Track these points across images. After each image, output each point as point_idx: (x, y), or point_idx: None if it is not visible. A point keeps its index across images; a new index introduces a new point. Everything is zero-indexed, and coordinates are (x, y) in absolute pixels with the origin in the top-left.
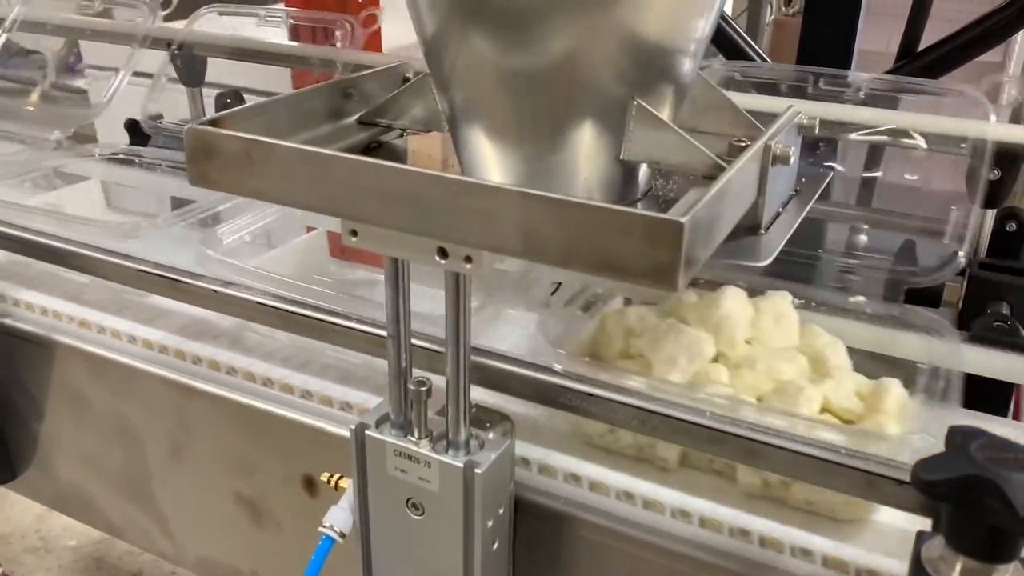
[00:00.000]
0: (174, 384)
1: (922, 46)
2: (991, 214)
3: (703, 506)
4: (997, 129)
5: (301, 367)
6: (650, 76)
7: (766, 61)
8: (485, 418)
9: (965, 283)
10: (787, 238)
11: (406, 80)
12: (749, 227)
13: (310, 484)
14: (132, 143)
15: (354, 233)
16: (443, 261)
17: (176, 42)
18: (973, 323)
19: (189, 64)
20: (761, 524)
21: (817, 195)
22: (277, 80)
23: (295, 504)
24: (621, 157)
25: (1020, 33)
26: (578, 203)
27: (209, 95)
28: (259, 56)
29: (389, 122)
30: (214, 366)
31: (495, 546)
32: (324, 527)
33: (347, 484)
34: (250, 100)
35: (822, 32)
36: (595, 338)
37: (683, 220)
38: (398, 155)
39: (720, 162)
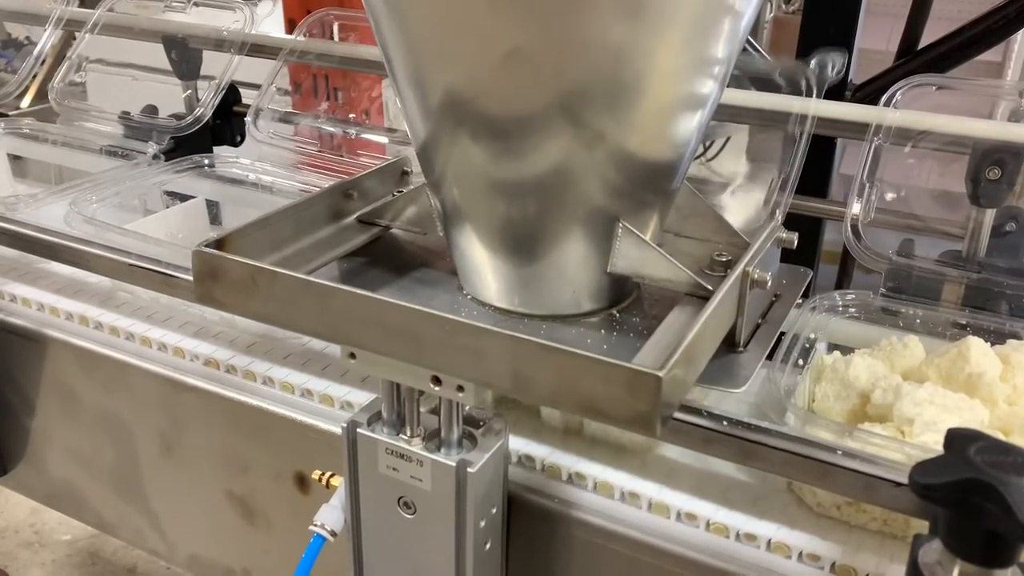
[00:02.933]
0: (164, 379)
1: (922, 45)
2: None
3: None
4: None
5: (288, 362)
6: (637, 190)
7: (766, 58)
8: (478, 416)
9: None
10: (764, 357)
11: (405, 173)
12: (728, 344)
13: (302, 481)
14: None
15: (352, 356)
16: (436, 388)
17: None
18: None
19: (182, 55)
20: None
21: (797, 300)
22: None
23: (287, 501)
24: (608, 270)
25: (1020, 33)
26: (564, 351)
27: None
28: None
29: (387, 223)
30: (210, 363)
31: (487, 546)
32: (315, 525)
33: (338, 482)
34: (244, 92)
35: (822, 30)
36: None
37: (661, 374)
38: (398, 251)
39: (701, 282)
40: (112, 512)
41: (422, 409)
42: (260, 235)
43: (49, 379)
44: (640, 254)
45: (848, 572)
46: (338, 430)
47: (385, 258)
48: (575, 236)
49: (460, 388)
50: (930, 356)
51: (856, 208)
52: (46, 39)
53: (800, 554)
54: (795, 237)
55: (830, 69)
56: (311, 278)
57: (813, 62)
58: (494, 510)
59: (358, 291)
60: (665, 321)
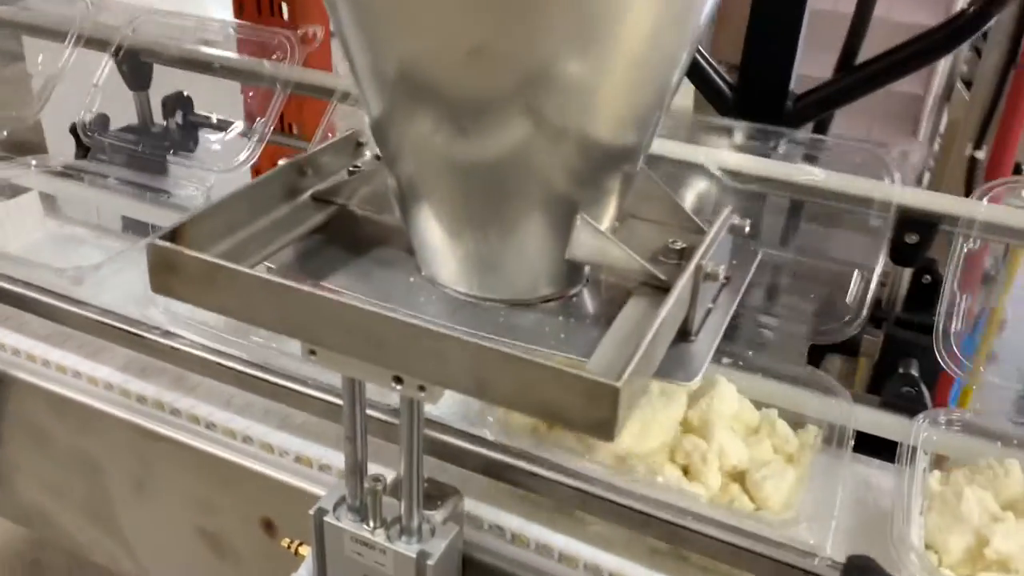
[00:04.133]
0: (135, 427)
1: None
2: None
3: None
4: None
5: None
6: (598, 174)
7: (731, 85)
8: (436, 494)
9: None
10: (716, 344)
11: (359, 145)
12: (679, 332)
13: (269, 525)
14: (78, 151)
15: (312, 352)
16: (398, 387)
17: (117, 45)
18: (884, 387)
19: (134, 68)
20: None
21: (746, 283)
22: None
23: (255, 542)
24: (566, 257)
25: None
26: (526, 360)
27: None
28: (202, 67)
29: (343, 202)
30: (175, 412)
31: None
32: None
33: (306, 551)
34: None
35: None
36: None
37: (619, 385)
38: (355, 228)
39: (656, 273)
40: (86, 537)
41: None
42: (215, 221)
43: (16, 417)
44: (598, 243)
45: None
46: (307, 486)
47: (342, 237)
48: (534, 221)
49: (422, 388)
50: None
51: (953, 323)
52: None
53: None
54: (747, 223)
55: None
56: (270, 277)
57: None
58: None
59: (317, 292)
60: (622, 313)
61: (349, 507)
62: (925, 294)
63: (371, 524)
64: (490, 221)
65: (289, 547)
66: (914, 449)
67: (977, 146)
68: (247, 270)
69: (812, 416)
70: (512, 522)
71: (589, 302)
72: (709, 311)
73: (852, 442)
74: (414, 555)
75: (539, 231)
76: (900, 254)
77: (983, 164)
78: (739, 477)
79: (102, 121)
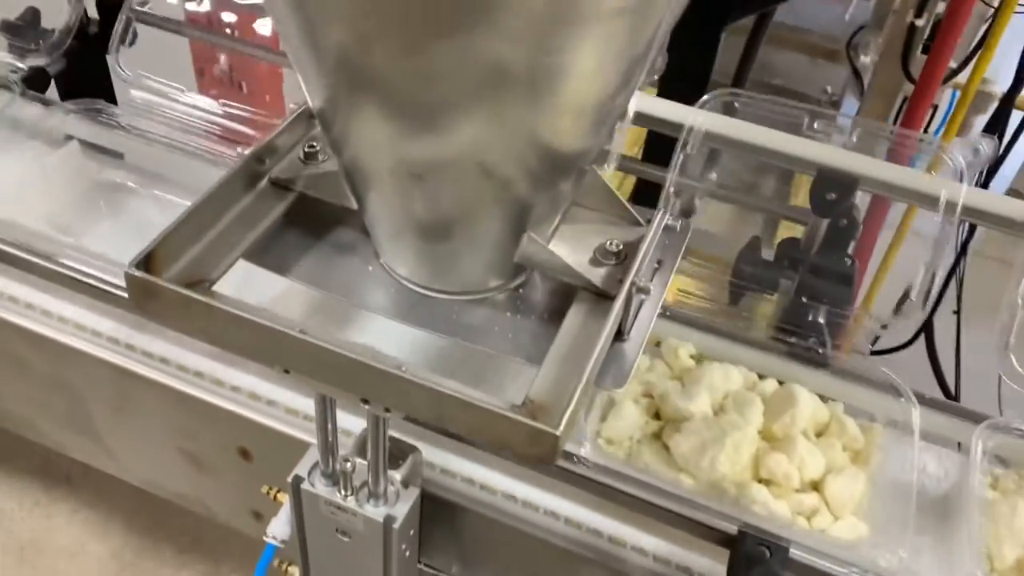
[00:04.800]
0: (115, 367)
1: None
2: None
3: None
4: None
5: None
6: (548, 175)
7: None
8: (398, 454)
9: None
10: (644, 343)
11: (312, 118)
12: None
13: (245, 453)
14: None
15: (286, 371)
16: (365, 406)
17: None
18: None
19: None
20: None
21: (677, 264)
22: None
23: (233, 464)
24: (515, 260)
25: None
26: (479, 406)
27: None
28: None
29: (302, 191)
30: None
31: (407, 554)
32: (267, 536)
33: (284, 499)
34: None
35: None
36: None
37: (558, 433)
38: (315, 211)
39: (596, 284)
40: (68, 439)
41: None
42: (184, 232)
43: None
44: (543, 255)
45: None
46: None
47: (303, 221)
48: (483, 223)
49: (387, 409)
50: None
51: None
52: None
53: None
54: (679, 223)
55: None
56: (240, 312)
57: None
58: (412, 532)
59: (291, 332)
60: (564, 325)
61: (322, 473)
62: (840, 237)
63: (342, 492)
64: (440, 219)
65: (268, 492)
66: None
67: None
68: (219, 305)
69: (870, 410)
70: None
71: (535, 292)
72: (641, 303)
73: (918, 446)
74: (381, 519)
75: (488, 232)
76: (820, 208)
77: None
78: (815, 483)
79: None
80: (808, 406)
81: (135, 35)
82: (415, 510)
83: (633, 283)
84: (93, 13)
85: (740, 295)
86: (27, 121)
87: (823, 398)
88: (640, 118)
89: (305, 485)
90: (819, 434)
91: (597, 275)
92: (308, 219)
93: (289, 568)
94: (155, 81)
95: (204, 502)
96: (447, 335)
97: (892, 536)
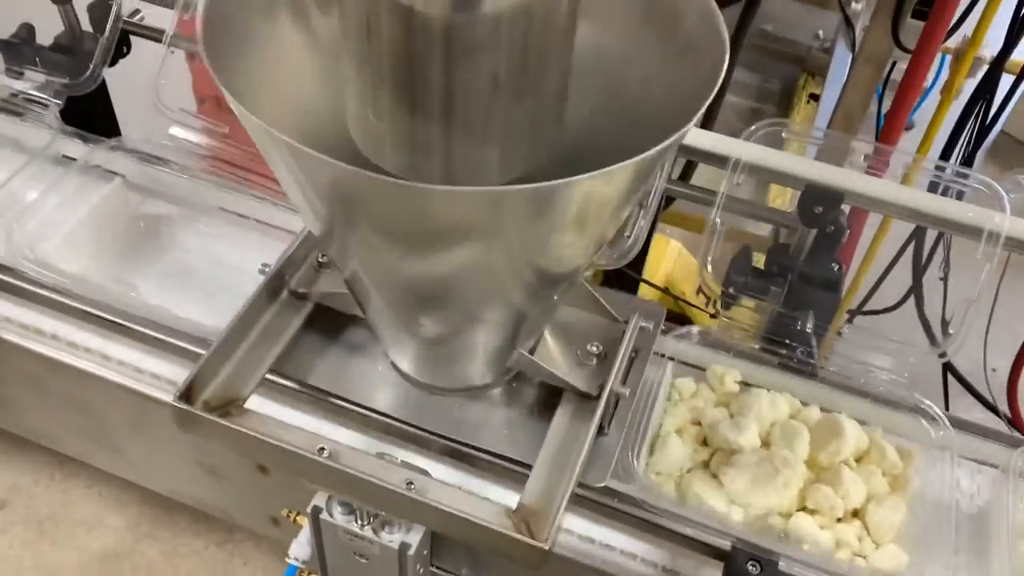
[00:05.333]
0: (133, 391)
1: None
2: None
3: None
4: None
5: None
6: (541, 293)
7: None
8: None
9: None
10: (623, 438)
11: None
12: None
13: (263, 468)
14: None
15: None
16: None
17: None
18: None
19: None
20: None
21: (652, 348)
22: None
23: (251, 478)
24: (507, 365)
25: None
26: (479, 524)
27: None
28: None
29: (314, 300)
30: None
31: (421, 571)
32: (289, 558)
33: (303, 521)
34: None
35: None
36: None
37: (546, 547)
38: (330, 318)
39: (579, 388)
40: (90, 451)
41: None
42: (218, 357)
43: (14, 371)
44: (533, 367)
45: None
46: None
47: (318, 326)
48: (482, 331)
49: None
50: None
51: None
52: None
53: None
54: (651, 325)
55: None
56: (266, 438)
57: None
58: (425, 552)
59: (311, 455)
60: (552, 427)
61: (339, 502)
62: (828, 243)
63: (359, 523)
64: (434, 336)
65: (288, 515)
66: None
67: None
68: (248, 431)
69: (906, 435)
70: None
71: (526, 387)
72: (618, 400)
73: (957, 471)
74: (397, 546)
75: (483, 343)
76: (808, 219)
77: None
78: (857, 511)
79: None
80: (853, 437)
81: (128, 48)
82: (427, 535)
83: (612, 391)
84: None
85: (731, 303)
86: (74, 159)
87: (860, 421)
88: (684, 150)
89: (324, 516)
90: (858, 459)
91: (580, 378)
92: (324, 323)
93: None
94: (195, 116)
95: (224, 509)
96: (451, 436)
97: (932, 568)
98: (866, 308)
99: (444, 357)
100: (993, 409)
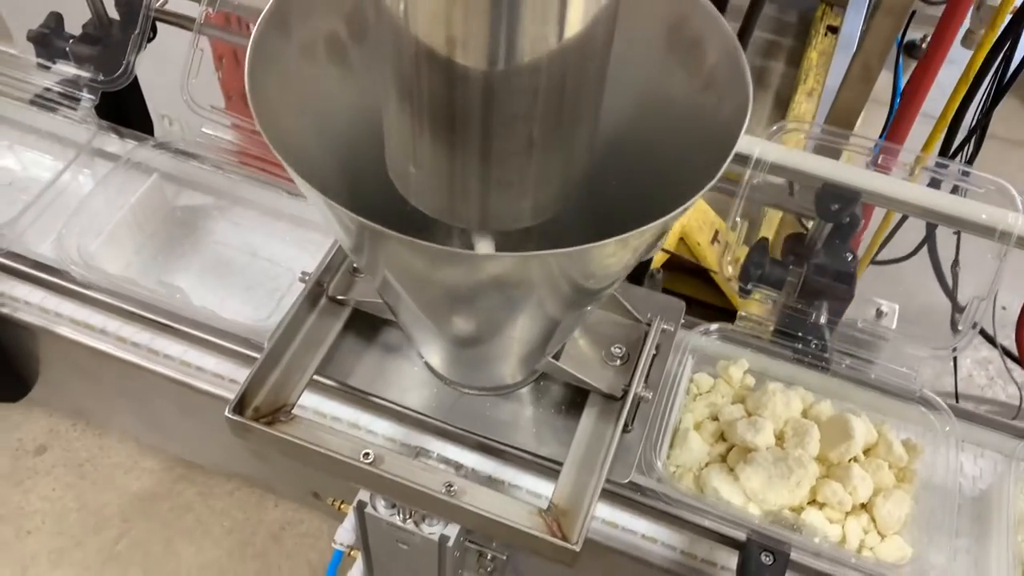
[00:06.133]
0: (178, 381)
1: None
2: None
3: None
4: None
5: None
6: (576, 308)
7: None
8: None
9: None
10: (645, 434)
11: None
12: None
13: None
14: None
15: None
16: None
17: None
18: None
19: None
20: None
21: (673, 341)
22: None
23: (294, 464)
24: (536, 367)
25: None
26: (514, 528)
27: None
28: None
29: (355, 306)
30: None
31: (457, 555)
32: (335, 543)
33: (347, 509)
34: None
35: None
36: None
37: (576, 548)
38: (367, 321)
39: (604, 391)
40: (140, 432)
41: None
42: (265, 368)
43: (65, 361)
44: (561, 371)
45: None
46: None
47: (358, 330)
48: (515, 342)
49: None
50: None
51: None
52: None
53: None
54: (672, 328)
55: None
56: (315, 447)
57: None
58: (462, 539)
59: (355, 462)
60: (579, 428)
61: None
62: (843, 233)
63: (401, 516)
64: (465, 343)
65: (333, 503)
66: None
67: None
68: (297, 440)
69: (912, 426)
70: None
71: (553, 384)
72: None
73: (961, 462)
74: (436, 538)
75: (519, 350)
76: (824, 214)
77: None
78: (864, 504)
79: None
80: (862, 437)
81: (154, 34)
82: (464, 529)
83: (636, 395)
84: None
85: (748, 293)
86: (113, 155)
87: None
88: None
89: (368, 510)
90: (866, 452)
91: (605, 380)
92: (361, 326)
93: (353, 552)
94: (225, 113)
95: (268, 484)
96: (483, 435)
97: (935, 554)
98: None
99: (475, 362)
100: (991, 341)
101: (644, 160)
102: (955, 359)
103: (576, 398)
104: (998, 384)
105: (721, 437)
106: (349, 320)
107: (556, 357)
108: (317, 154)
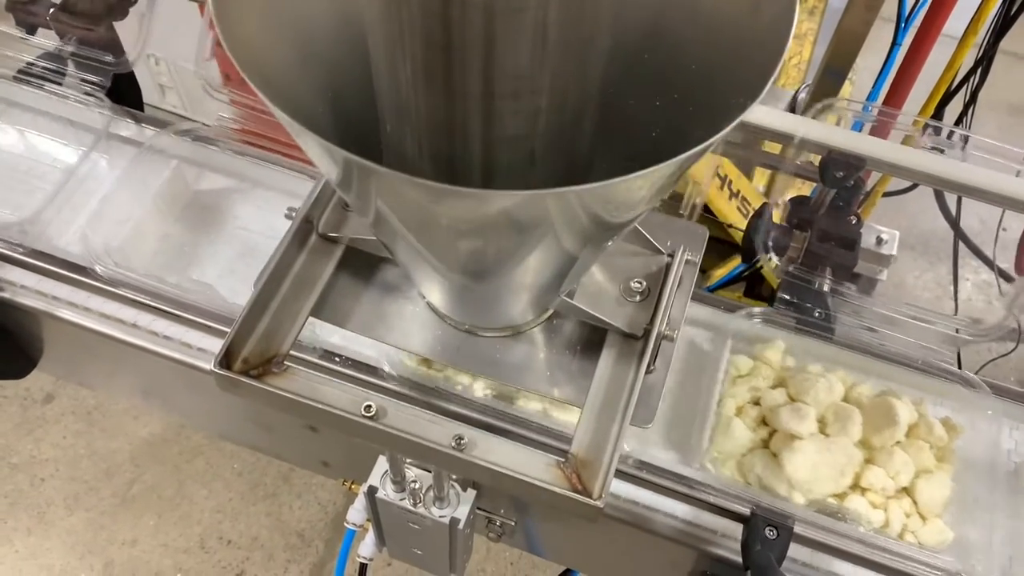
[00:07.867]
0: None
1: None
2: None
3: None
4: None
5: None
6: (599, 236)
7: None
8: None
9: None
10: (666, 376)
11: None
12: None
13: (313, 428)
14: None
15: None
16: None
17: None
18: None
19: None
20: None
21: (696, 273)
22: None
23: (302, 434)
24: (550, 309)
25: None
26: (535, 485)
27: None
28: None
29: (345, 243)
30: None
31: (467, 532)
32: (348, 522)
33: (358, 489)
34: None
35: None
36: None
37: (600, 504)
38: (363, 260)
39: (624, 329)
40: (153, 405)
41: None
42: (253, 315)
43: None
44: (578, 310)
45: None
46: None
47: (351, 268)
48: (527, 282)
49: None
50: None
51: None
52: None
53: None
54: (697, 258)
55: None
56: (310, 401)
57: None
58: (472, 517)
59: (352, 416)
60: (598, 371)
61: (392, 480)
62: (846, 196)
63: (411, 500)
64: (472, 284)
65: (344, 483)
66: None
67: None
68: (289, 394)
69: (952, 402)
70: None
71: (566, 322)
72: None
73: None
74: (447, 521)
75: (527, 294)
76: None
77: None
78: (906, 488)
79: None
80: (906, 422)
81: None
82: (474, 507)
83: (659, 333)
84: None
85: (752, 256)
86: (134, 142)
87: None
88: (745, 127)
89: (380, 494)
90: (907, 433)
91: (624, 317)
92: (357, 264)
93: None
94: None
95: (278, 453)
96: (493, 377)
97: (974, 538)
98: None
99: (482, 302)
100: (989, 263)
101: (668, 78)
102: (955, 283)
103: (593, 337)
104: (996, 307)
105: (762, 422)
106: (343, 259)
107: (570, 296)
108: (294, 74)
